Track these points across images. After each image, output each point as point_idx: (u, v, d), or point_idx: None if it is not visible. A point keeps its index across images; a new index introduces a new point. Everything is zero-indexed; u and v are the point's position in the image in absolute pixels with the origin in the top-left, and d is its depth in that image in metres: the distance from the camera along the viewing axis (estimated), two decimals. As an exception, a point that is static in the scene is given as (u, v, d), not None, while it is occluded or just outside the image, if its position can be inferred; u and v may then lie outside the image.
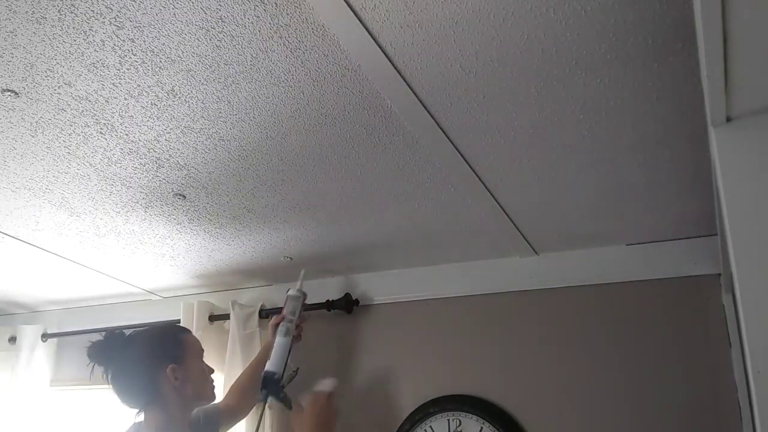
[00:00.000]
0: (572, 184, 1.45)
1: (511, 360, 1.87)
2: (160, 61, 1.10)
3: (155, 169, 1.48)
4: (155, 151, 1.40)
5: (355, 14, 0.96)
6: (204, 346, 1.75)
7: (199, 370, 1.65)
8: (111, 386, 1.57)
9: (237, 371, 2.06)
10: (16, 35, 1.05)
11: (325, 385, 1.71)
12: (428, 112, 1.20)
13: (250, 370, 1.96)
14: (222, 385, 2.00)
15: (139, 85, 1.17)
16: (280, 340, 1.78)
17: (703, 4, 0.69)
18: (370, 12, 0.96)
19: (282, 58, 1.08)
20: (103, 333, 1.62)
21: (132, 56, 1.09)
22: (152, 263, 2.12)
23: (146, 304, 2.52)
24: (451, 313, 2.00)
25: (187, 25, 1.02)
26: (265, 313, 2.17)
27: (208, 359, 1.81)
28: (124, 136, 1.34)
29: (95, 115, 1.27)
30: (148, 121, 1.28)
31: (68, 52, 1.08)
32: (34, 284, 2.40)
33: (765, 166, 0.86)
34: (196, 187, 1.57)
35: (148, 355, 1.57)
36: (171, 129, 1.31)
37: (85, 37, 1.05)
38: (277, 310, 2.18)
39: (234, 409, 1.86)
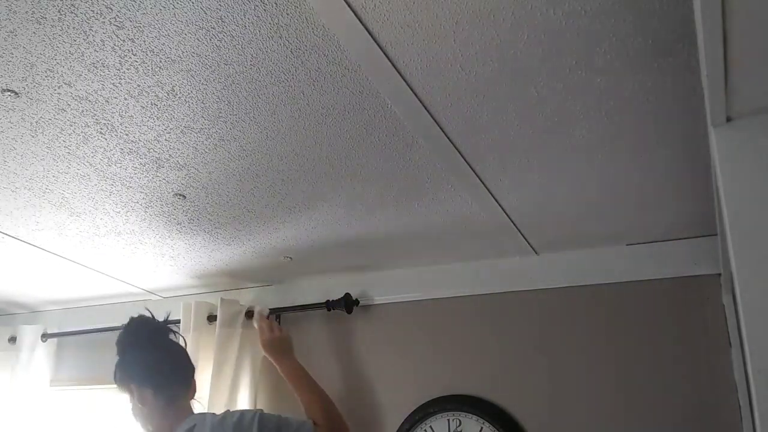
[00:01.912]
0: (572, 184, 1.45)
1: (511, 360, 1.87)
2: (160, 61, 1.10)
3: (155, 169, 1.48)
4: (155, 151, 1.40)
5: (355, 14, 0.96)
6: (202, 346, 1.76)
7: None
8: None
9: (221, 370, 2.03)
10: (16, 35, 1.05)
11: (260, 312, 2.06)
12: (428, 112, 1.20)
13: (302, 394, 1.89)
14: (208, 382, 1.98)
15: (139, 85, 1.17)
16: None
17: (703, 4, 0.69)
18: (370, 12, 0.96)
19: (282, 58, 1.08)
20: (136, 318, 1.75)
21: (132, 56, 1.09)
22: (152, 263, 2.12)
23: (146, 304, 2.51)
24: (451, 313, 2.00)
25: (187, 25, 1.02)
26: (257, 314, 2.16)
27: (206, 360, 1.83)
28: (124, 136, 1.34)
29: (95, 115, 1.27)
30: (148, 121, 1.28)
31: (68, 52, 1.08)
32: (34, 284, 2.40)
33: (765, 166, 0.86)
34: (196, 187, 1.57)
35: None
36: (171, 129, 1.31)
37: (85, 37, 1.05)
38: (276, 311, 2.19)
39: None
